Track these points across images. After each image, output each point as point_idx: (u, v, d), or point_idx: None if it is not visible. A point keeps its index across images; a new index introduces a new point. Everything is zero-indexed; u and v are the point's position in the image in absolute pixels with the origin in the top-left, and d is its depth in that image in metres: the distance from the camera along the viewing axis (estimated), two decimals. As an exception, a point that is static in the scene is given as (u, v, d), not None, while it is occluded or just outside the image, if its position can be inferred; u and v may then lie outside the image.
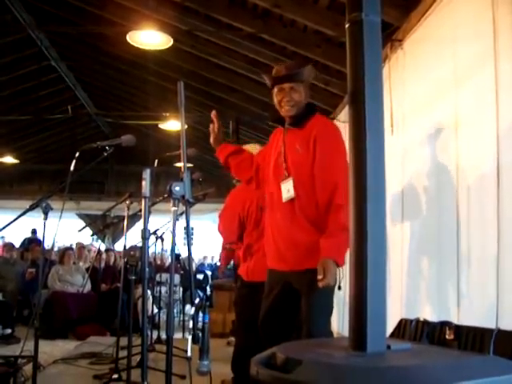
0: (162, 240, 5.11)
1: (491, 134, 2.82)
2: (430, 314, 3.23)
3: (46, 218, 2.89)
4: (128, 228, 3.98)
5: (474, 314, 2.91)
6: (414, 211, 3.96)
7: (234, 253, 5.25)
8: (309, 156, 2.51)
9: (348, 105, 1.81)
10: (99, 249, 8.65)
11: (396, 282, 4.13)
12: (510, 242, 2.64)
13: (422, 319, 2.21)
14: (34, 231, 11.21)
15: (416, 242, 3.93)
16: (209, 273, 11.18)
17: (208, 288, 9.75)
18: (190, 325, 1.75)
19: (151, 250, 5.66)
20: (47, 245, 5.91)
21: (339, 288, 2.49)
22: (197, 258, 12.14)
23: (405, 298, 4.01)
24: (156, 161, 4.48)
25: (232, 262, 5.40)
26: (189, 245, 2.06)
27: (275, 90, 2.60)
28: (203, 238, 13.39)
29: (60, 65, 8.36)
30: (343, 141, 2.57)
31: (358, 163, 1.70)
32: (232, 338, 5.35)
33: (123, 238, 4.10)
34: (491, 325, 2.46)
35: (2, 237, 11.73)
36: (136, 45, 5.31)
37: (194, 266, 9.68)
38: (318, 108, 2.72)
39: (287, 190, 2.56)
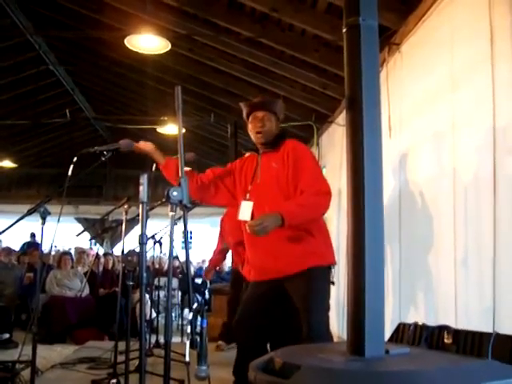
0: (161, 244, 5.10)
1: (488, 137, 2.82)
2: (427, 318, 3.23)
3: (43, 223, 2.89)
4: (126, 232, 3.97)
5: (470, 317, 2.91)
6: (411, 214, 3.96)
7: (225, 255, 5.22)
8: (284, 168, 2.68)
9: (346, 109, 1.82)
10: (97, 253, 8.62)
11: (394, 286, 4.13)
12: (506, 245, 2.64)
13: (420, 323, 2.20)
14: (32, 235, 11.18)
15: (413, 245, 3.93)
16: (207, 277, 11.12)
17: (206, 292, 9.72)
18: (189, 329, 1.75)
19: (149, 254, 5.64)
20: (45, 249, 5.89)
21: (332, 283, 2.70)
22: (195, 262, 12.10)
23: (403, 302, 4.00)
24: (154, 165, 4.47)
25: (230, 265, 5.38)
26: (187, 249, 2.08)
27: (250, 118, 2.79)
28: (201, 241, 13.37)
29: (58, 69, 8.35)
30: (311, 151, 2.85)
31: (355, 166, 1.70)
32: (221, 342, 5.26)
33: (122, 241, 4.09)
34: (488, 329, 2.45)
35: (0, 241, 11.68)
36: (134, 49, 5.31)
37: (192, 270, 9.65)
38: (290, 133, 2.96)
39: (245, 212, 2.71)
